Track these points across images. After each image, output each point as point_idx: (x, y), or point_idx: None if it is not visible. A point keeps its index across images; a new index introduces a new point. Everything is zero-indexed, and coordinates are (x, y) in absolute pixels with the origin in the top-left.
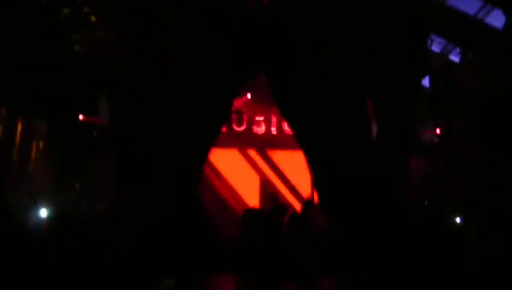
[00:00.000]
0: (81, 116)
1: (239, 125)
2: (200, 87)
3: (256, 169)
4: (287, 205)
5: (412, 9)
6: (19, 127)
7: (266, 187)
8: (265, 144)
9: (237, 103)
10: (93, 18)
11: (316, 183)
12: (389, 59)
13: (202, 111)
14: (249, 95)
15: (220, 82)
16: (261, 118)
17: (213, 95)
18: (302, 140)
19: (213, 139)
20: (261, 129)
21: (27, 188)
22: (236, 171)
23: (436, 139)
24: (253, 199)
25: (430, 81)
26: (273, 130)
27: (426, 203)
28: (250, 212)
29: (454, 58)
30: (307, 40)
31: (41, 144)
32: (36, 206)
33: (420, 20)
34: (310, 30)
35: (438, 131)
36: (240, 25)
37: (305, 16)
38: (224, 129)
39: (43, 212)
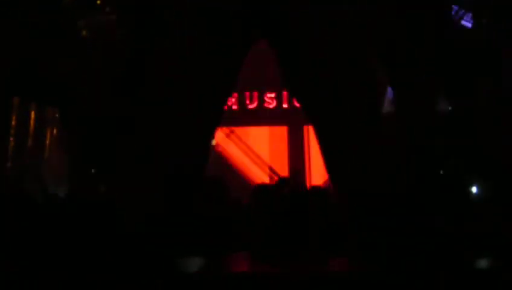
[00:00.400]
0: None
1: (251, 102)
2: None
3: (269, 145)
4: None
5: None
6: (32, 115)
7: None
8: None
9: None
10: (98, 1)
11: (329, 172)
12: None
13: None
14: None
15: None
16: (273, 95)
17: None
18: (314, 123)
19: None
20: (272, 105)
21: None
22: (251, 148)
23: (450, 108)
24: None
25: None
26: (285, 106)
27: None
28: (260, 188)
29: (467, 23)
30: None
31: (55, 131)
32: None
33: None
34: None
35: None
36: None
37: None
38: (236, 107)
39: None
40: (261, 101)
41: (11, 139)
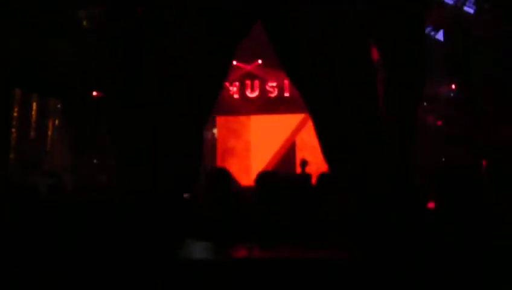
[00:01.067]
0: (94, 92)
1: (252, 91)
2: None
3: (274, 133)
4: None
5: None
6: (34, 106)
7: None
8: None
9: (249, 68)
10: None
11: (327, 155)
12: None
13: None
14: (259, 61)
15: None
16: (274, 84)
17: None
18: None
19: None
20: (274, 94)
21: (45, 166)
22: (254, 137)
23: (452, 94)
24: (272, 164)
25: (445, 35)
26: (287, 95)
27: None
28: (265, 175)
29: (469, 9)
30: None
31: (57, 122)
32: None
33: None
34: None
35: (453, 87)
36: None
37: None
38: (237, 96)
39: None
40: (263, 89)
41: (13, 130)
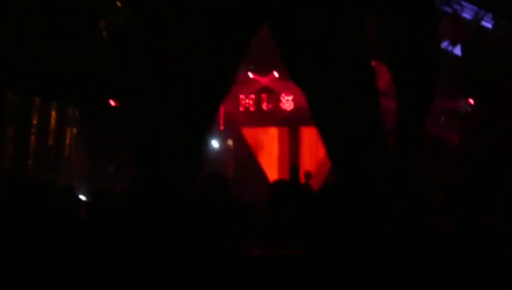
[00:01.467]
0: (112, 102)
1: (268, 103)
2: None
3: (286, 146)
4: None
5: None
6: (53, 114)
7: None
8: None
9: (265, 81)
10: (119, 4)
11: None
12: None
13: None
14: (276, 73)
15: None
16: (290, 97)
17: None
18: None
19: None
20: (289, 106)
21: (64, 173)
22: (267, 149)
23: (469, 109)
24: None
25: (462, 50)
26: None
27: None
28: (280, 184)
29: (487, 24)
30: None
31: (75, 130)
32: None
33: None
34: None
35: (471, 101)
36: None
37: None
38: (252, 108)
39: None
40: (278, 101)
41: (33, 137)
